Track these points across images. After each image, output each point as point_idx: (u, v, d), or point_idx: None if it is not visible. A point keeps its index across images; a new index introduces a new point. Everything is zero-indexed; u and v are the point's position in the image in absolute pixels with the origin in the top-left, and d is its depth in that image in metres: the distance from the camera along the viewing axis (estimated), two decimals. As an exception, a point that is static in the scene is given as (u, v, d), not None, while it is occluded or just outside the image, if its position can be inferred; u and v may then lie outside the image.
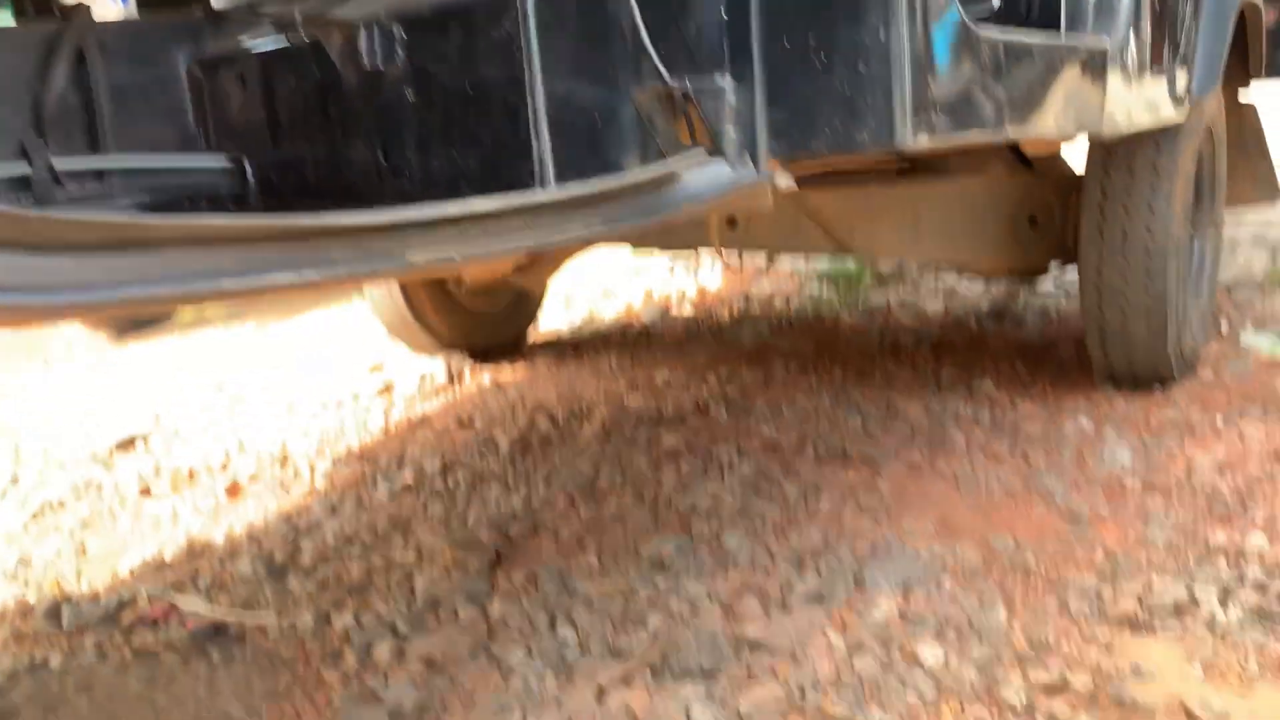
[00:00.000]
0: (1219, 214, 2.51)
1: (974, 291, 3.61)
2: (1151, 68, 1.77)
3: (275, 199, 1.46)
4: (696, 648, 1.38)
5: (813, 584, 1.57)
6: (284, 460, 2.62)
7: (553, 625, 1.53)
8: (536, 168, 1.23)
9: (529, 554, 1.84)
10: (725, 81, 1.29)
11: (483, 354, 3.34)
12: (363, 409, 2.96)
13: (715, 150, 1.29)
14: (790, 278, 4.22)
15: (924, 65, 1.22)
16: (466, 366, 3.27)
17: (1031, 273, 2.47)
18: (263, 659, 1.53)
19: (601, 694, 1.32)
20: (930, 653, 1.32)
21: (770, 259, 4.26)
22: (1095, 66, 1.55)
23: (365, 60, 1.34)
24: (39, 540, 2.21)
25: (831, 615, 1.46)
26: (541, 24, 1.23)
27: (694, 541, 1.79)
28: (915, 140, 1.21)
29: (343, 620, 1.62)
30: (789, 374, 2.85)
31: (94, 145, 1.44)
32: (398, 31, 1.31)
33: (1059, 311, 3.18)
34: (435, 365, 3.26)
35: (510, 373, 3.28)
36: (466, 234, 0.89)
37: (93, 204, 1.37)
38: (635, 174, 1.06)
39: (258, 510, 2.30)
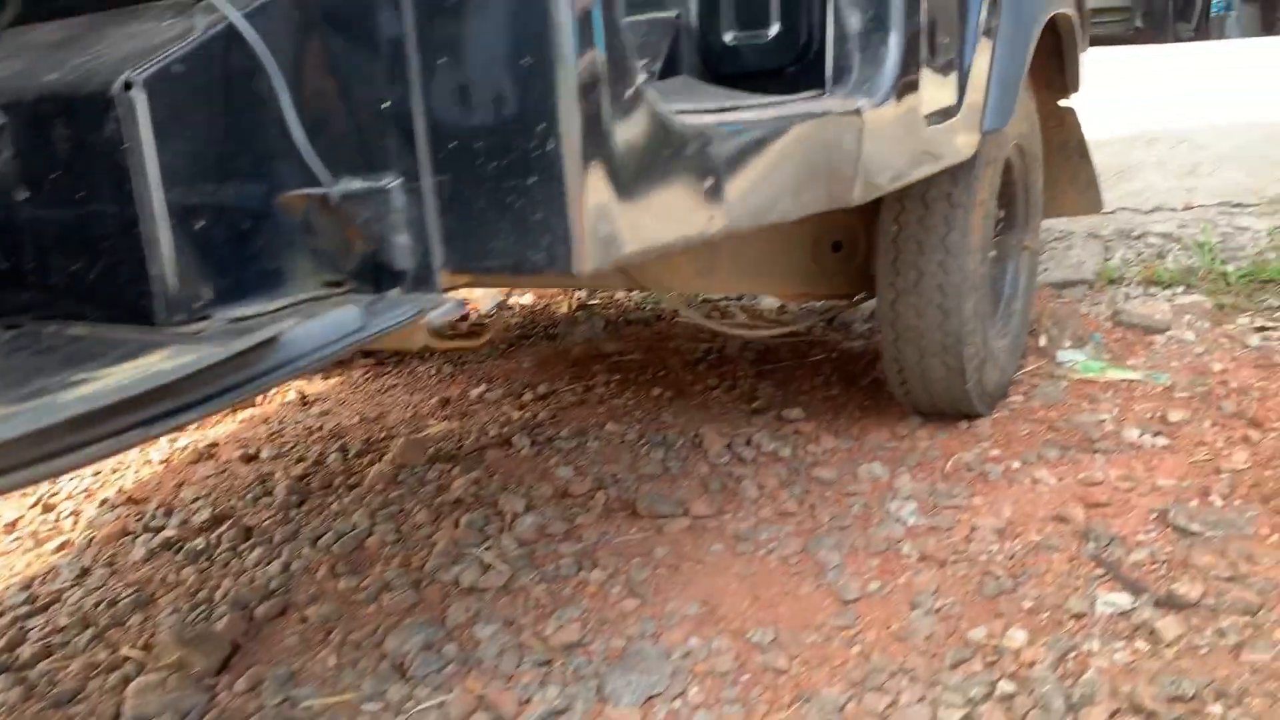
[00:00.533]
0: (1034, 234, 2.43)
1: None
2: (927, 115, 1.64)
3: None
4: (396, 799, 1.25)
5: (553, 697, 1.45)
6: (48, 505, 2.41)
7: (257, 758, 1.39)
8: (154, 291, 1.05)
9: (268, 645, 1.69)
10: (393, 183, 1.12)
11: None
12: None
13: (381, 264, 1.12)
14: (637, 263, 4.06)
15: (606, 174, 1.06)
16: (275, 378, 3.06)
17: (840, 299, 2.36)
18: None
19: None
20: (642, 804, 1.21)
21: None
22: (846, 131, 1.42)
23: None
24: None
25: (555, 746, 1.35)
26: (162, 122, 1.04)
27: (445, 631, 1.65)
28: (595, 265, 1.06)
29: (29, 752, 1.45)
30: (608, 390, 2.72)
31: None
32: (1, 117, 1.11)
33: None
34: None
35: (319, 385, 3.08)
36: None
37: None
38: (209, 352, 0.89)
39: (3, 572, 2.10)
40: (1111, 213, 3.36)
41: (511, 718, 1.43)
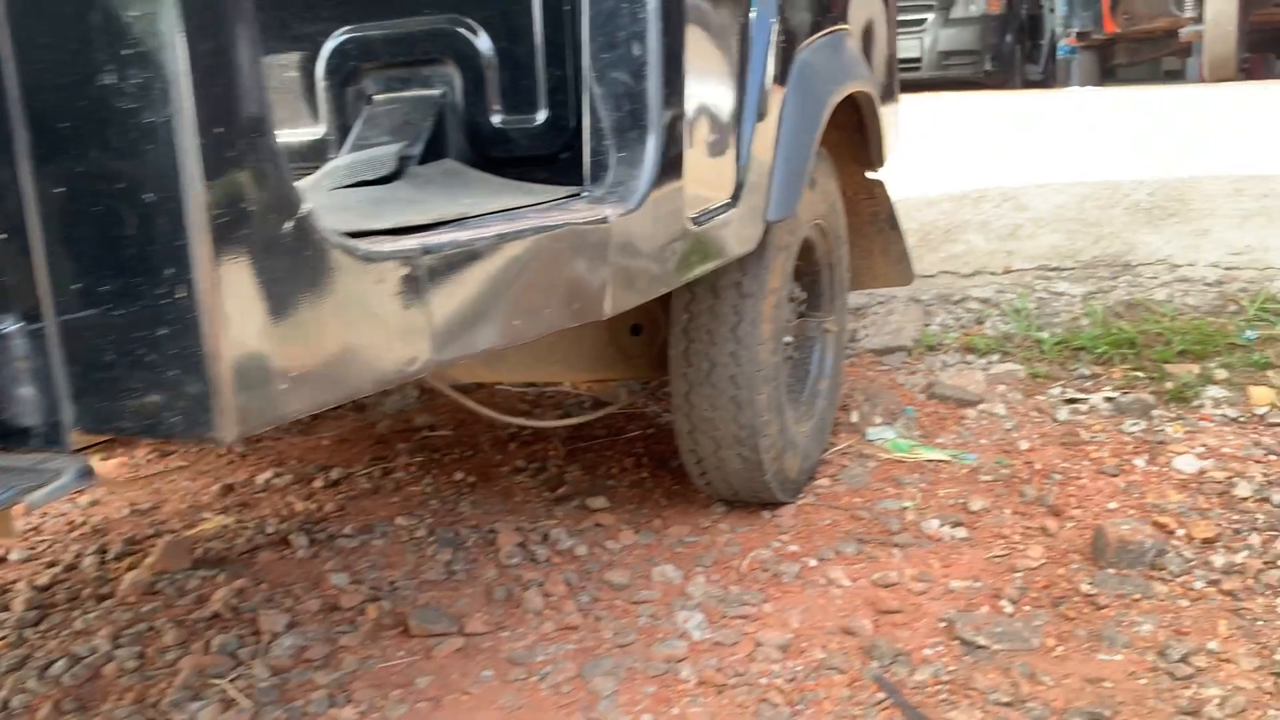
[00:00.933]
0: (841, 312, 2.37)
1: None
2: (695, 214, 1.54)
3: None
4: None
5: None
6: None
7: None
8: None
9: (-44, 815, 1.46)
10: (11, 327, 0.94)
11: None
12: (-118, 537, 2.44)
13: (5, 423, 0.94)
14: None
15: (256, 323, 0.91)
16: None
17: (638, 380, 2.25)
18: None
19: None
20: None
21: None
22: (590, 244, 1.30)
23: None
24: None
25: None
26: None
27: (162, 792, 1.46)
28: (244, 430, 0.91)
29: None
30: (408, 474, 2.55)
31: None
32: None
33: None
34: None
35: (100, 464, 2.82)
36: None
37: None
38: None
39: None
40: (933, 276, 3.36)
41: None
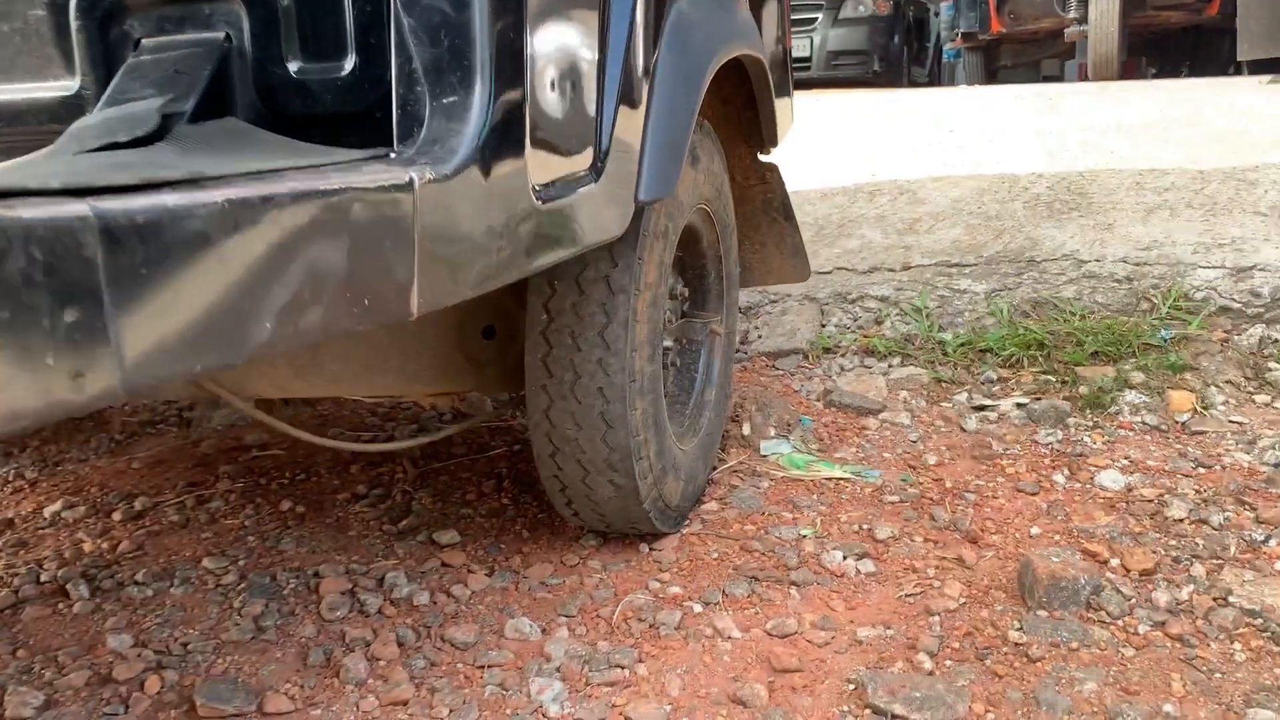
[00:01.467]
0: (730, 312, 2.07)
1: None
2: (541, 185, 1.21)
3: None
4: None
5: None
6: None
7: None
8: None
9: None
10: None
11: None
12: None
13: None
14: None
15: None
16: None
17: (496, 393, 1.92)
18: None
19: None
20: None
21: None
22: (387, 217, 0.96)
23: None
24: None
25: None
26: None
27: None
28: None
29: None
30: (227, 503, 2.16)
31: None
32: None
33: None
34: None
35: None
36: None
37: None
38: None
39: None
40: (829, 273, 3.10)
41: None
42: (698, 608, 1.65)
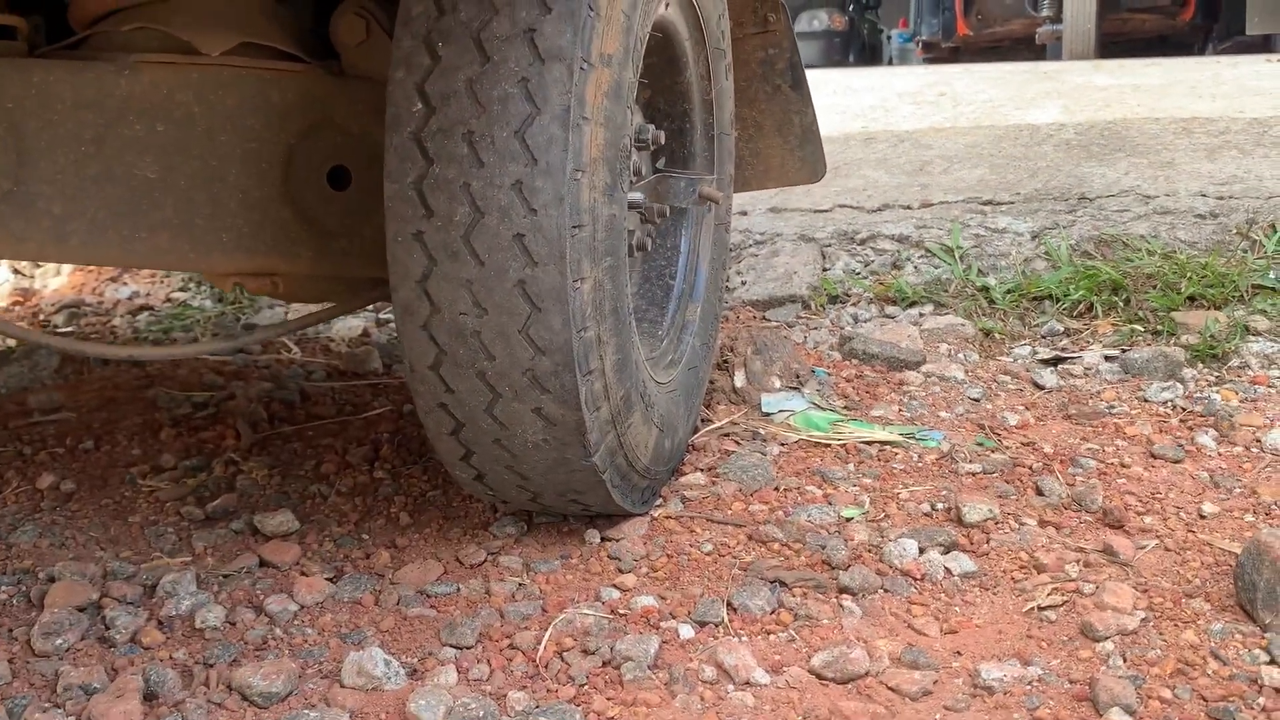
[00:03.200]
0: (723, 173, 1.38)
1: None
2: None
3: None
4: None
5: None
6: None
7: None
8: None
9: None
10: None
11: None
12: None
13: None
14: (164, 279, 2.73)
15: None
16: None
17: (344, 296, 1.22)
18: None
19: None
20: None
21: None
22: None
23: None
24: None
25: None
26: None
27: None
28: None
29: None
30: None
31: None
32: None
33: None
34: None
35: None
36: None
37: None
38: None
39: None
40: (828, 210, 2.44)
41: None
42: (686, 631, 0.94)
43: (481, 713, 0.83)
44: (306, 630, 0.99)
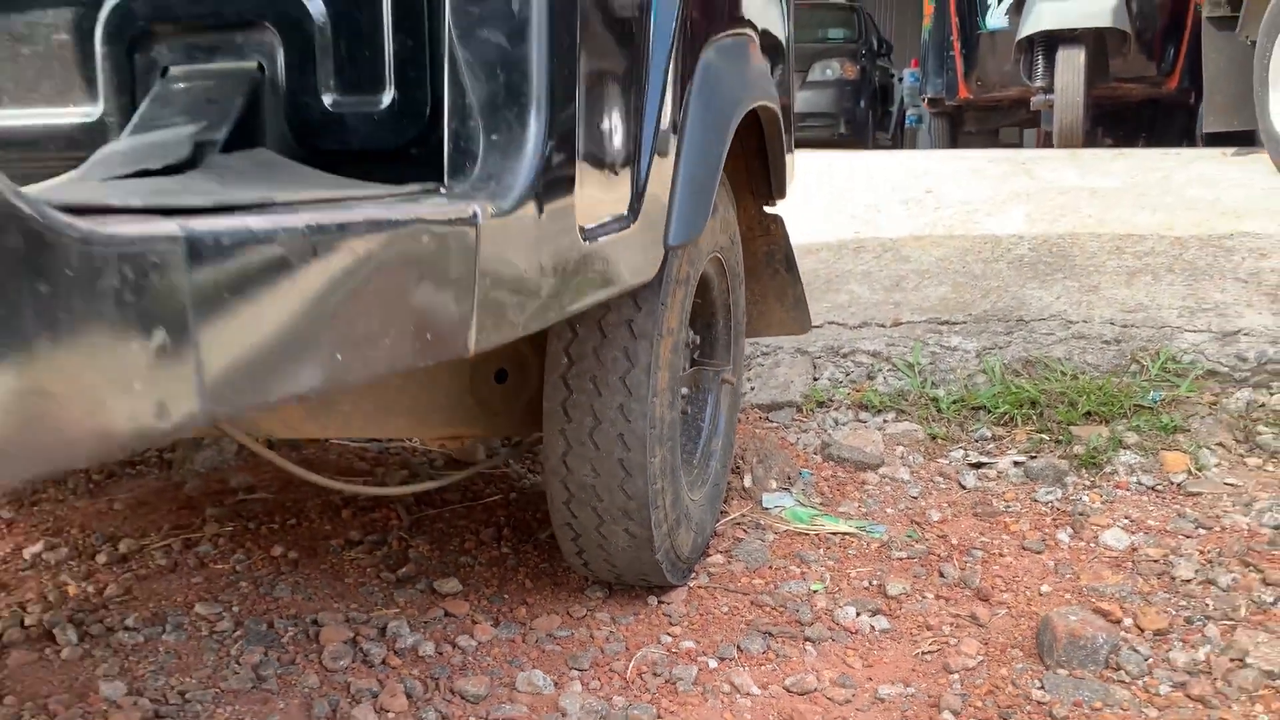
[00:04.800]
0: (738, 360, 2.07)
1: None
2: (587, 226, 1.20)
3: None
4: None
5: None
6: None
7: None
8: None
9: None
10: None
11: None
12: None
13: None
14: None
15: None
16: None
17: (505, 437, 1.89)
18: None
19: None
20: None
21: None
22: (451, 251, 0.94)
23: None
24: None
25: None
26: None
27: None
28: None
29: None
30: (216, 547, 2.09)
31: None
32: None
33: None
34: None
35: None
36: None
37: None
38: None
39: None
40: (819, 326, 3.11)
41: None
42: (713, 663, 1.62)
43: (599, 708, 1.49)
44: (485, 658, 1.66)
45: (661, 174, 1.43)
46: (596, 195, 1.24)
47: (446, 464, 2.55)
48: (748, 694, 1.53)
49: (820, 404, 2.78)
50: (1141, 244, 3.65)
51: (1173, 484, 2.29)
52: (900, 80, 14.86)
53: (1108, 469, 2.37)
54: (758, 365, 2.96)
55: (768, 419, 2.74)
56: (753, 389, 2.86)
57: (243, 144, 1.31)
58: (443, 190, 1.10)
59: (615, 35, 1.29)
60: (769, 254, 2.31)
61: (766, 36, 1.99)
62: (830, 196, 4.94)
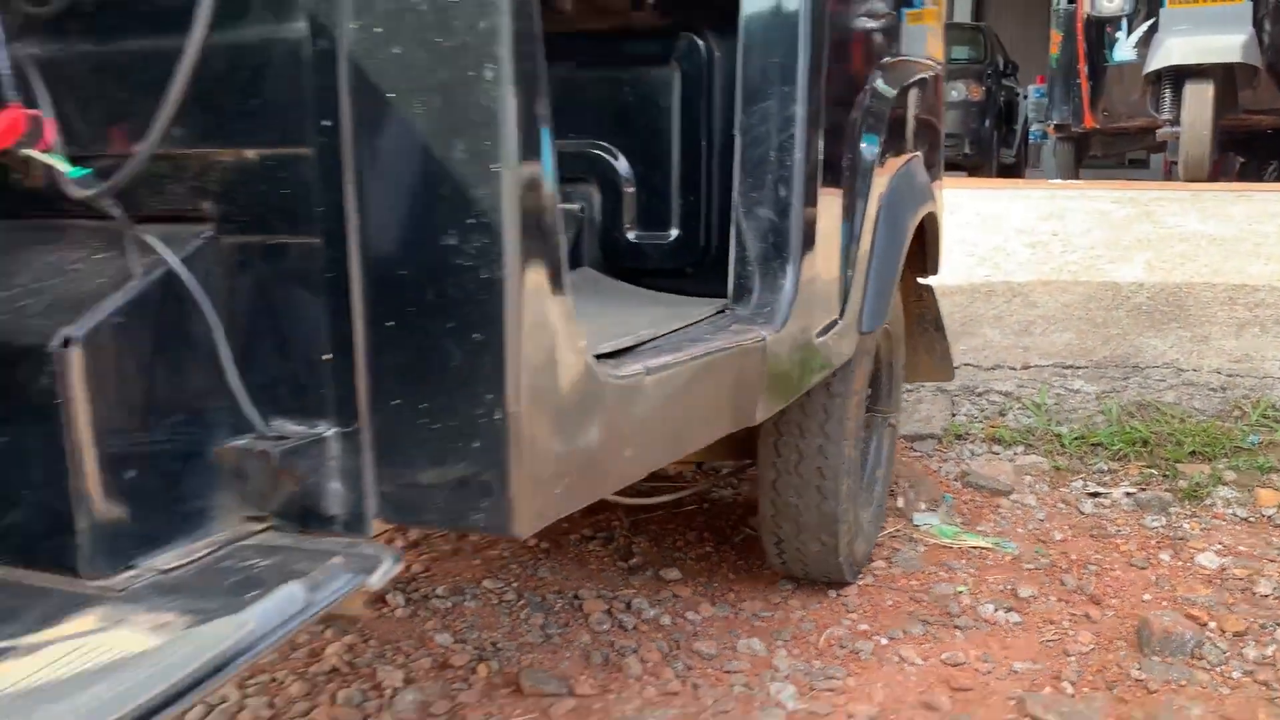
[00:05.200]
0: (896, 407, 2.59)
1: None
2: (817, 330, 1.76)
3: None
4: None
5: None
6: None
7: None
8: (78, 543, 1.02)
9: None
10: (329, 432, 1.13)
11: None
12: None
13: (309, 507, 1.13)
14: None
15: (547, 443, 1.11)
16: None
17: (728, 463, 2.45)
18: None
19: None
20: None
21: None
22: (753, 360, 1.51)
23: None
24: None
25: None
26: (95, 377, 1.03)
27: (328, 833, 1.61)
28: (532, 529, 1.10)
29: None
30: (482, 539, 2.71)
31: None
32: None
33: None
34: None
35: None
36: None
37: None
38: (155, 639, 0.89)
39: None
40: (957, 368, 3.60)
41: None
42: (884, 640, 2.15)
43: (803, 668, 2.04)
44: (710, 629, 2.22)
45: (859, 282, 1.98)
46: (822, 309, 1.79)
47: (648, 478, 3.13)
48: (913, 663, 2.06)
49: (958, 437, 3.28)
50: (1254, 295, 4.02)
51: (1264, 516, 2.73)
52: (1025, 97, 14.96)
53: (1207, 501, 2.81)
54: (904, 403, 3.47)
55: (912, 448, 3.25)
56: (899, 423, 3.37)
57: (571, 264, 1.91)
58: (727, 311, 1.67)
59: (837, 202, 1.85)
60: (920, 316, 2.82)
61: (930, 150, 2.51)
62: (957, 239, 5.39)
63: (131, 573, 1.06)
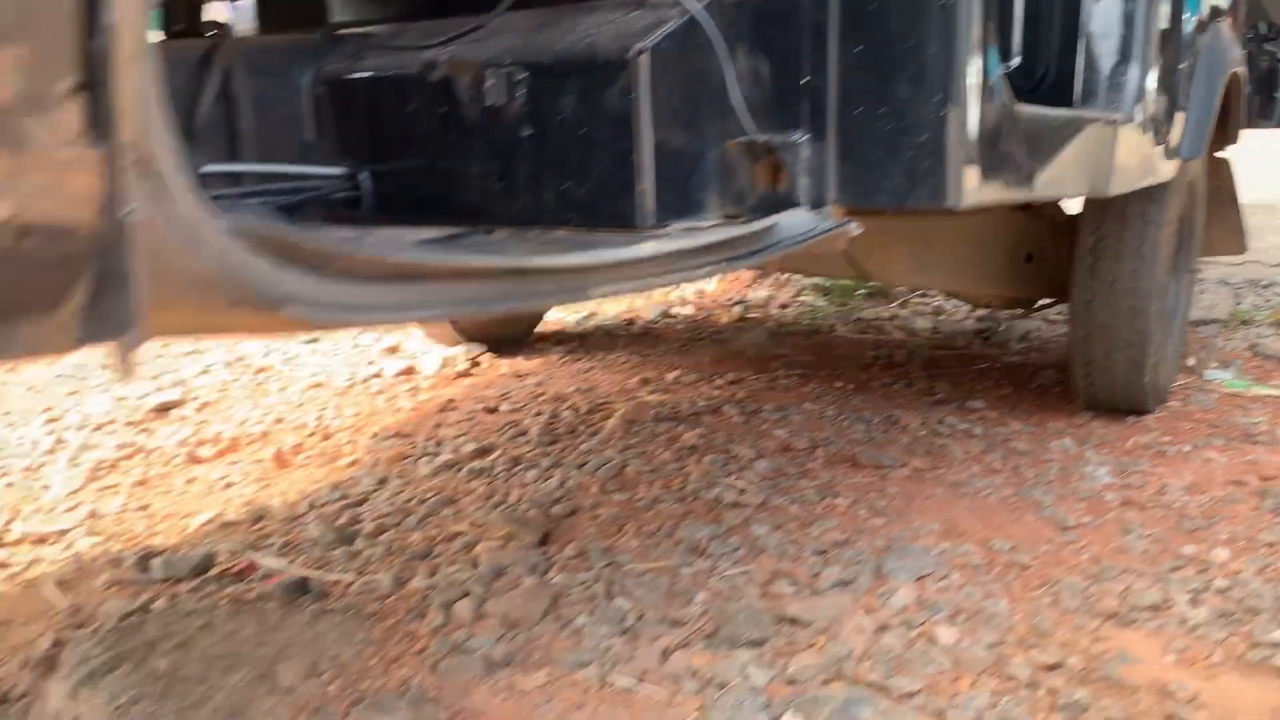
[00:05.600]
0: (1194, 261, 2.77)
1: (960, 311, 3.87)
2: (1151, 135, 2.01)
3: (389, 211, 1.65)
4: (743, 621, 1.60)
5: (838, 572, 1.80)
6: (325, 434, 2.80)
7: (609, 596, 1.74)
8: (637, 204, 1.43)
9: (573, 532, 2.05)
10: (802, 138, 1.50)
11: (496, 344, 3.54)
12: (389, 390, 3.15)
13: (789, 197, 1.51)
14: (784, 285, 4.46)
15: (973, 137, 1.44)
16: (484, 356, 3.47)
17: (1024, 305, 2.71)
18: (352, 612, 1.72)
19: (665, 654, 1.53)
20: (946, 634, 1.55)
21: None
22: (1107, 136, 1.79)
23: (487, 96, 1.53)
24: (101, 498, 2.37)
25: (858, 599, 1.69)
26: (653, 82, 1.44)
27: (724, 529, 2.00)
28: (963, 202, 1.43)
29: (418, 581, 1.82)
30: (791, 381, 3.08)
31: (233, 153, 1.63)
32: (520, 74, 1.51)
33: (1040, 338, 3.44)
34: (451, 352, 3.46)
35: (526, 364, 3.48)
36: (631, 273, 1.10)
37: (238, 205, 1.56)
38: (745, 226, 1.28)
39: (308, 480, 2.48)
40: (1240, 264, 3.69)
41: (808, 582, 1.77)
42: (1187, 447, 2.37)
43: (1110, 460, 2.29)
44: (1020, 436, 2.49)
45: (1180, 118, 2.21)
46: (1154, 119, 2.05)
47: (934, 348, 3.42)
48: (1219, 462, 2.27)
49: (1243, 322, 3.39)
50: None
51: None
52: (1286, 65, 14.05)
53: None
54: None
55: (1197, 331, 3.39)
56: (1180, 309, 3.51)
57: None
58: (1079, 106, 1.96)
59: (1175, 47, 2.10)
60: (1217, 189, 2.98)
61: (1236, 15, 2.68)
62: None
63: (669, 228, 1.47)
